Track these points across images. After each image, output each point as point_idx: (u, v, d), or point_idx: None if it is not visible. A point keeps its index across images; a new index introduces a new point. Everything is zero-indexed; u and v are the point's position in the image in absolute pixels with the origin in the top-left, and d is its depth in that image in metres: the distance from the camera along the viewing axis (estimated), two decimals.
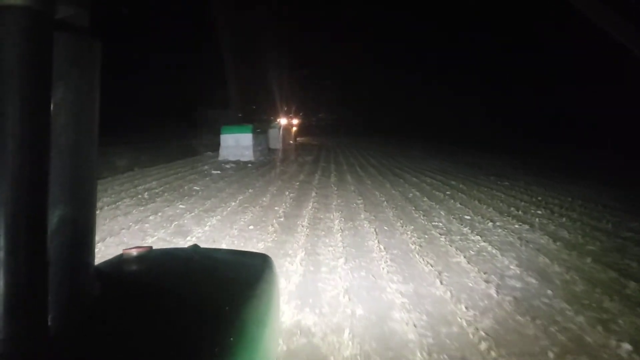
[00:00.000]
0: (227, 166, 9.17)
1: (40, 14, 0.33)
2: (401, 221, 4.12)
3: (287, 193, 5.72)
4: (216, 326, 0.45)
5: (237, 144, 10.88)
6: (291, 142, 18.97)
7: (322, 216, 4.34)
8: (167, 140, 16.66)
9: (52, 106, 0.36)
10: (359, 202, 5.14)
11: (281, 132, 15.92)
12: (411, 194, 5.79)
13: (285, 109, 22.09)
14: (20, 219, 0.32)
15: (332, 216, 4.33)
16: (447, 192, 6.01)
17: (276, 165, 9.75)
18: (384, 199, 5.39)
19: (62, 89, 0.38)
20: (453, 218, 4.30)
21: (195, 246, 0.73)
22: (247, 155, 10.74)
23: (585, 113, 21.86)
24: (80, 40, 0.40)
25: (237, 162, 9.92)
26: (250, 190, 5.88)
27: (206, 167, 8.91)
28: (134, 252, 0.59)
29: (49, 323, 0.36)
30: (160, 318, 0.46)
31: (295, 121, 22.60)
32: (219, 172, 8.05)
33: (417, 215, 4.44)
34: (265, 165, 9.53)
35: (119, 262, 0.59)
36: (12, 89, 0.32)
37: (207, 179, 7.06)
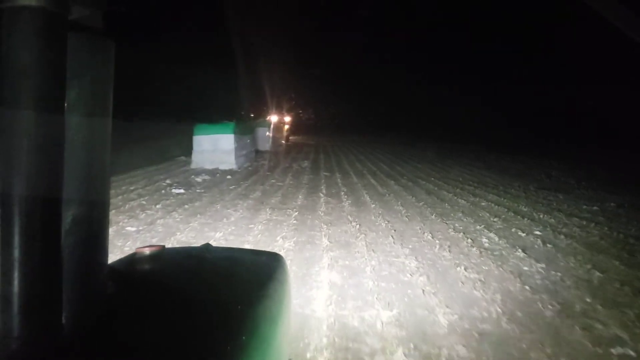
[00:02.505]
0: (199, 179, 6.77)
1: (54, 14, 0.32)
2: (539, 347, 1.84)
3: (279, 239, 3.40)
4: (228, 325, 0.44)
5: (215, 147, 8.48)
6: (283, 142, 16.56)
7: (355, 323, 2.03)
8: (142, 138, 14.22)
9: (66, 106, 0.34)
10: (411, 264, 2.85)
11: (271, 131, 13.58)
12: (485, 238, 3.52)
13: (276, 104, 19.67)
14: (35, 218, 0.31)
15: (377, 325, 2.02)
16: (536, 232, 3.76)
17: (265, 177, 7.36)
18: (447, 254, 3.11)
19: (76, 88, 0.37)
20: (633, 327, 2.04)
21: (208, 245, 0.69)
22: (228, 161, 8.35)
23: (598, 112, 20.63)
24: (94, 40, 0.39)
25: (213, 173, 7.52)
26: (218, 235, 3.53)
27: (168, 181, 6.49)
28: (147, 251, 0.56)
29: (63, 321, 0.35)
30: (172, 317, 0.44)
31: (287, 118, 20.09)
32: (182, 190, 5.66)
33: (550, 311, 2.16)
34: (249, 177, 7.15)
35: (132, 261, 0.57)
36: (27, 89, 0.31)
37: (159, 206, 4.67)
